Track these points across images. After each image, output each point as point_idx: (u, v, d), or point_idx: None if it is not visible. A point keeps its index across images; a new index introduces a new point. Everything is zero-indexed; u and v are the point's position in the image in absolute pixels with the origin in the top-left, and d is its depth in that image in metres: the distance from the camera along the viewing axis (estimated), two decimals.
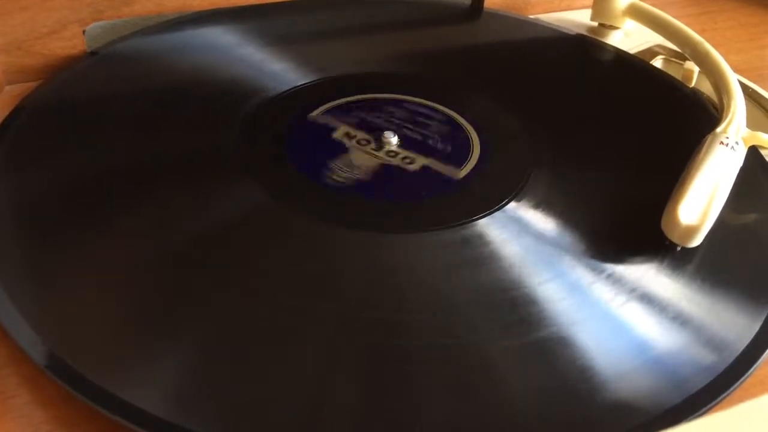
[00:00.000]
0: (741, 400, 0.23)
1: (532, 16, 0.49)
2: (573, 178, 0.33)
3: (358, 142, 0.34)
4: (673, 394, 0.24)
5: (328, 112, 0.36)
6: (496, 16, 0.47)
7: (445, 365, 0.24)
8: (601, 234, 0.30)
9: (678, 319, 0.26)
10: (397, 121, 0.35)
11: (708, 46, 0.39)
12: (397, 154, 0.33)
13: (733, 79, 0.36)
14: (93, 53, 0.40)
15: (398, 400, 0.23)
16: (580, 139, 0.36)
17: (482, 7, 0.47)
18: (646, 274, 0.28)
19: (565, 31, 0.46)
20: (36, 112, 0.35)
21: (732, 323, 0.26)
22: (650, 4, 0.44)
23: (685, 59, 0.42)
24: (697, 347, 0.25)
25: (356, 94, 0.37)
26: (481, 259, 0.28)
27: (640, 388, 0.24)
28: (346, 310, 0.26)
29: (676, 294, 0.27)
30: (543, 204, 0.31)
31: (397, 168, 0.32)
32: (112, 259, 0.28)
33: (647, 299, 0.27)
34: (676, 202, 0.29)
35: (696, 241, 0.28)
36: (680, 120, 0.38)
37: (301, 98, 0.37)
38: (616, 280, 0.27)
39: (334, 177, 0.31)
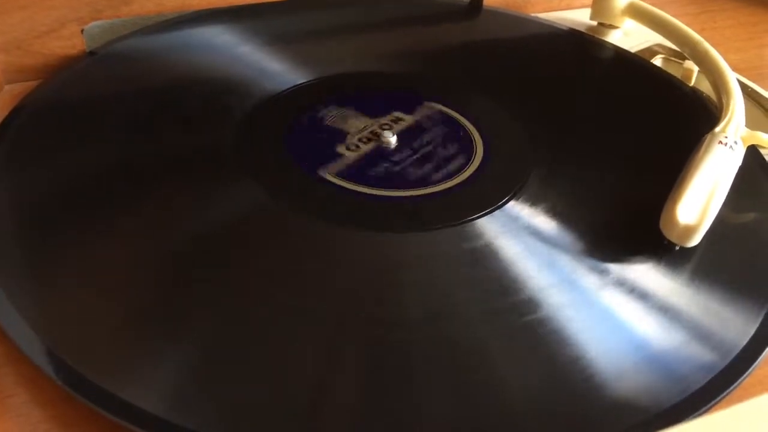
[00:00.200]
0: (740, 399, 0.24)
1: (531, 15, 0.49)
2: (572, 176, 0.33)
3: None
4: (672, 393, 0.24)
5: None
6: (496, 15, 0.47)
7: (444, 364, 0.24)
8: (600, 233, 0.30)
9: (677, 318, 0.26)
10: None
11: (707, 46, 0.39)
12: (396, 152, 0.33)
13: (732, 79, 0.36)
14: (92, 53, 0.39)
15: (398, 399, 0.23)
16: (579, 137, 0.36)
17: (482, 5, 0.47)
18: (645, 274, 0.28)
19: (565, 29, 0.46)
20: (36, 111, 0.35)
21: (731, 322, 0.26)
22: (649, 4, 0.44)
23: (684, 58, 0.42)
24: (695, 346, 0.25)
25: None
26: (480, 257, 0.28)
27: (638, 387, 0.24)
28: (346, 309, 0.26)
29: (674, 293, 0.27)
30: (542, 203, 0.31)
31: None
32: (112, 258, 0.28)
33: (646, 298, 0.27)
34: (675, 202, 0.29)
35: (694, 241, 0.28)
36: (679, 119, 0.38)
37: (300, 97, 0.37)
38: (614, 279, 0.27)
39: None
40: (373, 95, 0.37)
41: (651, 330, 0.26)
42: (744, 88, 0.38)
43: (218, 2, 0.43)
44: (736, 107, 0.34)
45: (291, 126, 0.34)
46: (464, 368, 0.24)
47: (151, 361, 0.24)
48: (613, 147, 0.35)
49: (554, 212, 0.30)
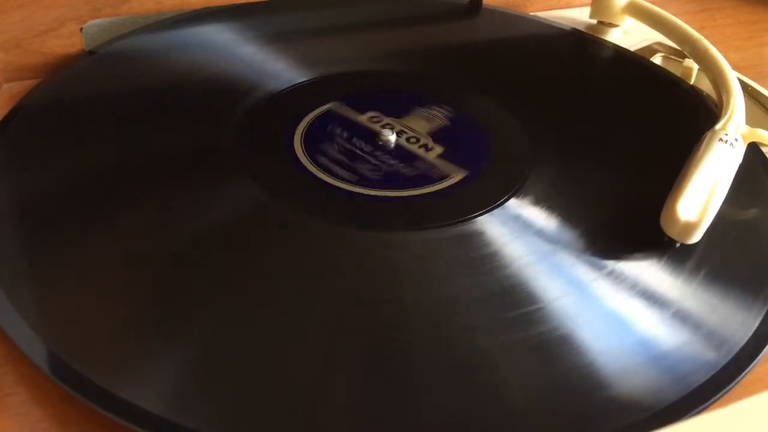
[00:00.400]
0: (740, 397, 0.24)
1: (531, 14, 0.49)
2: (573, 174, 0.33)
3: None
4: (673, 391, 0.24)
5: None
6: (495, 13, 0.47)
7: (444, 364, 0.24)
8: (601, 231, 0.30)
9: (677, 315, 0.26)
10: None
11: (707, 44, 0.39)
12: (395, 151, 0.33)
13: (732, 76, 0.36)
14: (91, 52, 0.39)
15: (398, 399, 0.23)
16: (579, 136, 0.36)
17: (481, 3, 0.47)
18: (646, 271, 0.28)
19: (565, 28, 0.46)
20: (35, 110, 0.35)
21: (731, 320, 0.26)
22: (649, 2, 0.44)
23: (684, 57, 0.42)
24: (696, 344, 0.25)
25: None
26: (481, 256, 0.28)
27: (639, 384, 0.24)
28: (345, 309, 0.26)
29: (675, 290, 0.27)
30: (543, 201, 0.31)
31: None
32: (111, 258, 0.28)
33: (647, 296, 0.27)
34: (676, 199, 0.29)
35: (695, 238, 0.28)
36: (679, 117, 0.38)
37: (299, 96, 0.37)
38: (615, 277, 0.27)
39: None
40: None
41: (652, 327, 0.26)
42: (744, 86, 0.38)
43: (217, 1, 0.43)
44: (737, 104, 0.34)
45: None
46: (464, 367, 0.24)
47: (151, 360, 0.24)
48: (613, 145, 0.35)
49: (554, 210, 0.30)
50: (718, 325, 0.26)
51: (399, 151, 0.33)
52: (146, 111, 0.35)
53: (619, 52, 0.44)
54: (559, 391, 0.23)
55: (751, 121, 0.34)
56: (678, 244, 0.29)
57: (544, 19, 0.47)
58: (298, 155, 0.32)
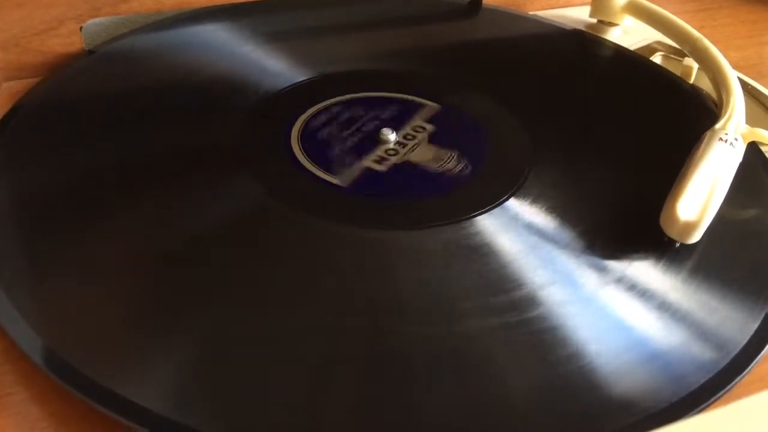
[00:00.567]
0: (740, 396, 0.23)
1: (531, 13, 0.49)
2: (572, 174, 0.33)
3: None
4: (672, 391, 0.24)
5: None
6: (495, 13, 0.47)
7: (443, 363, 0.24)
8: (600, 230, 0.30)
9: (677, 315, 0.26)
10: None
11: (707, 43, 0.39)
12: (395, 150, 0.33)
13: (732, 75, 0.36)
14: (91, 51, 0.39)
15: (398, 397, 0.23)
16: (579, 135, 0.36)
17: (481, 3, 0.47)
18: (645, 271, 0.28)
19: (565, 27, 0.46)
20: (34, 109, 0.35)
21: (731, 320, 0.26)
22: (649, 1, 0.44)
23: (684, 56, 0.42)
24: (696, 344, 0.25)
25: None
26: (480, 255, 0.28)
27: (638, 384, 0.24)
28: (345, 308, 0.26)
29: (675, 290, 0.27)
30: (542, 200, 0.31)
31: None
32: (111, 256, 0.28)
33: (646, 295, 0.27)
34: (675, 199, 0.29)
35: (695, 238, 0.28)
36: (679, 116, 0.38)
37: (299, 95, 0.37)
38: (614, 277, 0.27)
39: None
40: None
41: (651, 327, 0.26)
42: (744, 85, 0.38)
43: (217, 0, 0.43)
44: (736, 104, 0.34)
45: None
46: (463, 366, 0.24)
47: (151, 358, 0.24)
48: (612, 144, 0.35)
49: (554, 210, 0.30)
50: (718, 325, 0.26)
51: (398, 149, 0.33)
52: (146, 110, 0.35)
53: (619, 51, 0.44)
54: (558, 391, 0.23)
55: (751, 120, 0.34)
56: (678, 244, 0.29)
57: (544, 18, 0.47)
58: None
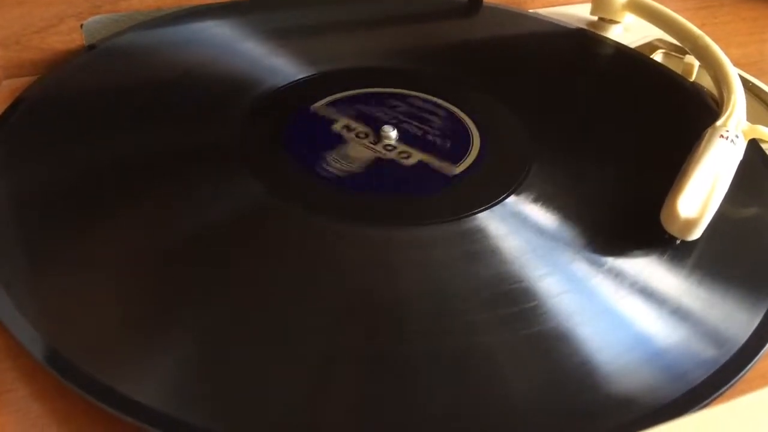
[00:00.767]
0: (742, 393, 0.23)
1: (531, 11, 0.49)
2: (572, 171, 0.33)
3: (356, 136, 0.33)
4: (674, 388, 0.24)
5: (326, 106, 0.36)
6: (496, 11, 0.47)
7: (444, 361, 0.24)
8: (601, 228, 0.30)
9: (678, 312, 0.26)
10: (396, 115, 0.35)
11: (708, 40, 0.39)
12: (395, 148, 0.33)
13: (733, 73, 0.36)
14: (91, 47, 0.39)
15: (398, 396, 0.23)
16: (579, 132, 0.36)
17: (482, 1, 0.47)
18: (646, 268, 0.28)
19: (565, 25, 0.46)
20: (34, 106, 0.35)
21: (732, 316, 0.26)
22: None
23: (685, 53, 0.42)
24: (697, 341, 0.25)
25: (355, 89, 0.37)
26: (480, 253, 0.28)
27: (639, 381, 0.24)
28: (345, 306, 0.26)
29: (676, 287, 0.27)
30: (542, 198, 0.31)
31: (396, 162, 0.32)
32: (111, 254, 0.27)
33: (647, 293, 0.27)
34: (676, 196, 0.29)
35: (695, 235, 0.28)
36: (680, 114, 0.38)
37: (299, 92, 0.37)
38: (615, 274, 0.27)
39: (328, 168, 0.31)
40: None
41: (652, 324, 0.26)
42: (745, 83, 0.38)
43: None
44: (737, 101, 0.34)
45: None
46: (464, 364, 0.24)
47: (151, 355, 0.24)
48: (613, 142, 0.35)
49: (555, 207, 0.30)
50: (719, 322, 0.26)
51: (399, 147, 0.33)
52: (146, 107, 0.35)
53: (620, 49, 0.43)
54: (559, 388, 0.23)
55: (751, 117, 0.34)
56: (678, 241, 0.29)
57: (545, 16, 0.47)
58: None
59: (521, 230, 0.29)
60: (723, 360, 0.25)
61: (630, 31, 0.46)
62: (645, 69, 0.42)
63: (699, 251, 0.29)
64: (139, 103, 0.35)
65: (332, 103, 0.36)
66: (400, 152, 0.33)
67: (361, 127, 0.34)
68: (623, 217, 0.31)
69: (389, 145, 0.33)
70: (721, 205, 0.29)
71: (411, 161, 0.32)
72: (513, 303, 0.26)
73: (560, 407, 0.23)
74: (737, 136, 0.32)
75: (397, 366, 0.24)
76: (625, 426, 0.22)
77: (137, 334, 0.25)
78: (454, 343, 0.25)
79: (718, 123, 0.32)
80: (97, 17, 0.40)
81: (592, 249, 0.28)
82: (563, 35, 0.45)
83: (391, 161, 0.32)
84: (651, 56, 0.43)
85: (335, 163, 0.32)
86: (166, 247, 0.28)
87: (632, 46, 0.44)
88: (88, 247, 0.28)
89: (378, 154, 0.32)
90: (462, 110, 0.36)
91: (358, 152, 0.32)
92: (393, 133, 0.33)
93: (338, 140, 0.33)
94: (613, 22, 0.46)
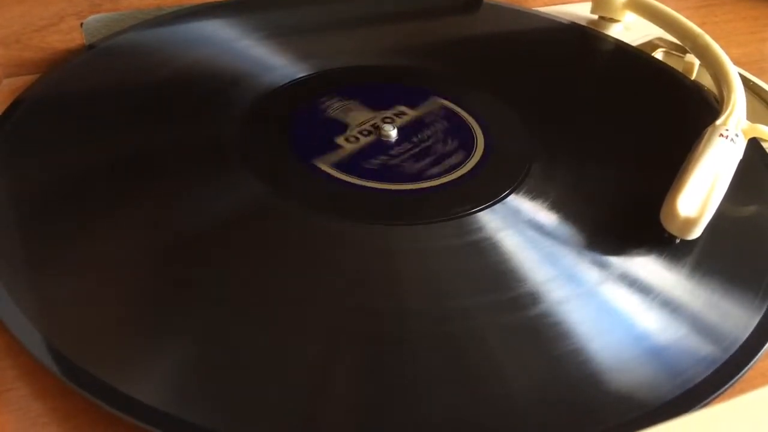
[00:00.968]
0: (742, 392, 0.23)
1: (532, 9, 0.49)
2: (573, 170, 0.33)
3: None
4: (674, 386, 0.24)
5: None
6: (497, 8, 0.47)
7: (444, 358, 0.24)
8: (601, 226, 0.30)
9: (678, 311, 0.26)
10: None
11: (708, 39, 0.39)
12: (395, 146, 0.33)
13: (733, 72, 0.36)
14: (91, 47, 0.39)
15: (398, 394, 0.23)
16: (580, 131, 0.36)
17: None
18: (646, 267, 0.28)
19: (566, 23, 0.46)
20: (35, 105, 0.35)
21: (732, 315, 0.26)
22: None
23: (685, 52, 0.42)
24: (697, 339, 0.25)
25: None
26: (481, 251, 0.28)
27: (640, 379, 0.24)
28: (346, 305, 0.26)
29: (676, 286, 0.27)
30: (543, 196, 0.31)
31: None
32: (111, 252, 0.27)
33: (647, 291, 0.27)
34: (675, 194, 0.29)
35: (695, 234, 0.28)
36: (681, 112, 0.38)
37: (300, 91, 0.37)
38: (615, 272, 0.27)
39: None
40: (373, 89, 0.37)
41: (652, 323, 0.26)
42: (745, 81, 0.38)
43: None
44: (737, 100, 0.34)
45: (291, 119, 0.34)
46: (464, 361, 0.24)
47: (151, 355, 0.24)
48: (613, 140, 0.35)
49: (555, 205, 0.30)
50: (719, 320, 0.26)
51: (399, 145, 0.33)
52: (146, 106, 0.35)
53: (621, 48, 0.43)
54: (560, 386, 0.23)
55: (752, 116, 0.34)
56: (678, 240, 0.29)
57: (546, 14, 0.47)
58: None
59: (522, 228, 0.29)
60: (723, 358, 0.25)
61: (630, 29, 0.46)
62: (645, 67, 0.42)
63: (699, 250, 0.29)
64: (139, 102, 0.35)
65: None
66: (400, 151, 0.33)
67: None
68: (623, 216, 0.31)
69: (389, 143, 0.33)
70: (720, 204, 0.29)
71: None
72: (513, 301, 0.26)
73: (559, 404, 0.23)
74: (737, 135, 0.32)
75: (397, 365, 0.24)
76: (625, 424, 0.22)
77: (137, 334, 0.25)
78: (454, 341, 0.25)
79: (718, 122, 0.32)
80: (97, 16, 0.40)
81: (591, 247, 0.28)
82: (564, 33, 0.45)
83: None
84: (651, 55, 0.43)
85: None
86: (166, 246, 0.28)
87: (633, 44, 0.44)
88: (88, 247, 0.28)
89: (378, 153, 0.32)
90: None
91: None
92: (393, 131, 0.33)
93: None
94: (613, 20, 0.46)
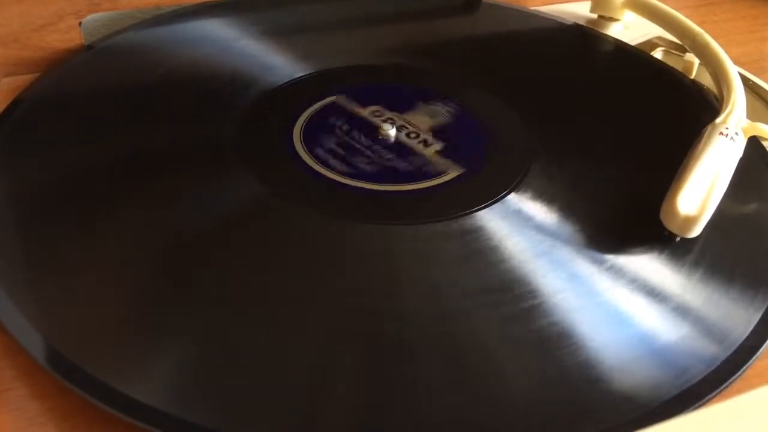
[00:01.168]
0: (741, 391, 0.23)
1: (531, 8, 0.49)
2: (573, 169, 0.33)
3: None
4: (673, 385, 0.24)
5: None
6: (496, 8, 0.47)
7: (444, 358, 0.24)
8: (601, 225, 0.30)
9: (678, 309, 0.26)
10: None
11: (708, 38, 0.39)
12: (395, 146, 0.33)
13: (733, 70, 0.36)
14: (90, 47, 0.39)
15: (398, 394, 0.23)
16: (579, 130, 0.36)
17: None
18: (646, 265, 0.28)
19: (565, 22, 0.46)
20: (33, 105, 0.35)
21: (732, 314, 0.26)
22: None
23: (684, 51, 0.42)
24: (696, 338, 0.25)
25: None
26: (480, 250, 0.28)
27: (639, 378, 0.24)
28: (345, 302, 0.26)
29: (675, 285, 0.27)
30: (543, 195, 0.31)
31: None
32: (111, 252, 0.27)
33: (647, 290, 0.27)
34: (675, 193, 0.28)
35: (695, 232, 0.28)
36: (680, 111, 0.38)
37: (299, 91, 0.37)
38: (615, 271, 0.27)
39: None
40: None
41: (652, 321, 0.26)
42: (745, 81, 0.38)
43: None
44: (737, 98, 0.34)
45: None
46: (464, 361, 0.24)
47: (150, 355, 0.24)
48: (613, 139, 0.35)
49: (555, 204, 0.30)
50: (719, 319, 0.26)
51: (399, 145, 0.33)
52: (145, 106, 0.35)
53: (620, 47, 0.43)
54: (559, 385, 0.23)
55: (751, 115, 0.34)
56: (678, 238, 0.29)
57: (545, 13, 0.47)
58: (298, 149, 0.32)
59: (521, 228, 0.29)
60: (722, 357, 0.25)
61: (629, 28, 0.46)
62: (645, 67, 0.42)
63: (699, 248, 0.29)
64: (139, 101, 0.35)
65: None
66: (400, 150, 0.33)
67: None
68: (623, 214, 0.31)
69: (388, 143, 0.33)
70: (720, 202, 0.29)
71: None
72: (513, 301, 0.26)
73: (559, 403, 0.23)
74: (737, 134, 0.32)
75: (397, 365, 0.24)
76: (624, 423, 0.22)
77: (137, 334, 0.25)
78: (454, 341, 0.25)
79: (718, 120, 0.32)
80: (95, 15, 0.40)
81: (591, 246, 0.28)
82: (563, 33, 0.45)
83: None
84: (651, 54, 0.43)
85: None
86: (166, 246, 0.28)
87: (632, 43, 0.44)
88: (88, 247, 0.28)
89: (377, 152, 0.32)
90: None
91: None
92: (393, 132, 0.33)
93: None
94: (612, 19, 0.46)
